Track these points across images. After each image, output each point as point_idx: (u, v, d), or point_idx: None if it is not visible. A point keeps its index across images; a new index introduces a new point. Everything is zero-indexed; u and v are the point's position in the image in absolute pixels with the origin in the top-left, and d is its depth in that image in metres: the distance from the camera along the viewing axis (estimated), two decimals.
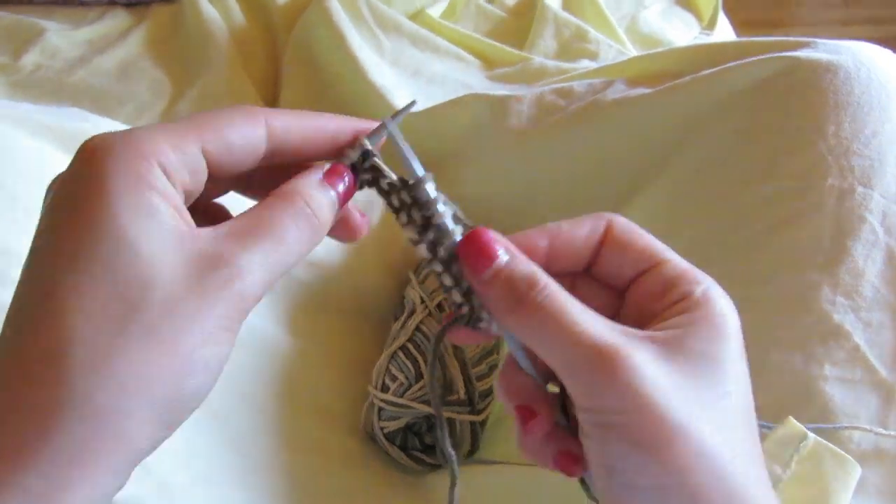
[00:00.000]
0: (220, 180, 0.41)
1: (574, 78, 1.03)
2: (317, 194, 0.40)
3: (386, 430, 0.86)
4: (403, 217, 0.42)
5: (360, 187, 0.44)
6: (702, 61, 0.88)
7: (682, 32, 1.48)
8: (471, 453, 0.87)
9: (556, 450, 0.43)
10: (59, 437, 0.33)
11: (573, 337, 0.38)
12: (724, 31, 1.52)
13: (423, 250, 0.42)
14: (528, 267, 0.40)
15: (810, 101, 0.76)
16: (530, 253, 0.41)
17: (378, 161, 0.43)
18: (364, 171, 0.43)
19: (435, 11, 1.46)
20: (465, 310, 0.42)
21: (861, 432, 0.62)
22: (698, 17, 1.54)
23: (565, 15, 1.43)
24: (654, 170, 0.89)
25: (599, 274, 0.43)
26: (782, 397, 0.65)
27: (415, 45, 1.35)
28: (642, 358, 0.37)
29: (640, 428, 0.36)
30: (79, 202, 0.35)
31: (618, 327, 0.39)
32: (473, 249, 0.41)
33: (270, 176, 0.43)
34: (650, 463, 0.36)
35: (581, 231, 0.43)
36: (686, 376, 0.37)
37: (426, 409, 0.84)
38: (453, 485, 0.45)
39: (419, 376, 0.85)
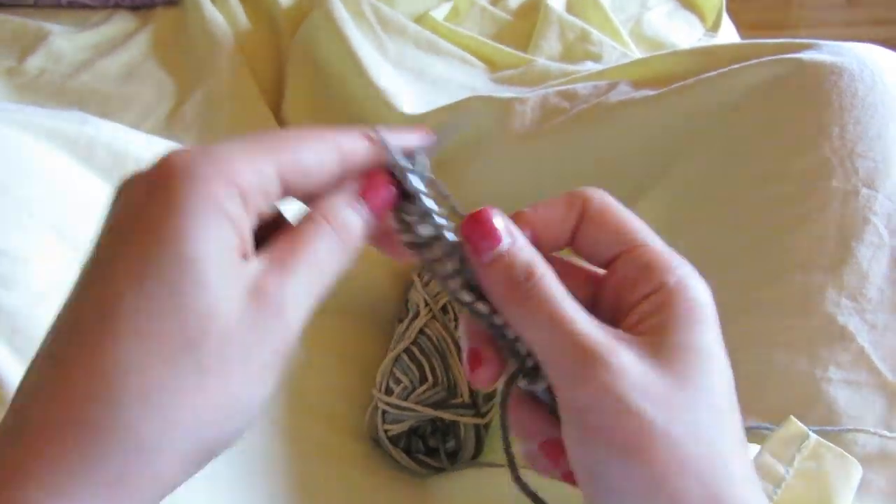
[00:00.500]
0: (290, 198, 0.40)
1: (578, 80, 1.03)
2: (347, 214, 0.39)
3: (390, 433, 0.86)
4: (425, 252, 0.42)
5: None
6: (706, 63, 0.88)
7: (685, 34, 1.48)
8: (475, 456, 0.87)
9: (543, 438, 0.43)
10: (96, 463, 0.32)
11: (561, 332, 0.38)
12: (728, 33, 1.52)
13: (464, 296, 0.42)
14: (528, 253, 0.40)
15: (814, 103, 0.75)
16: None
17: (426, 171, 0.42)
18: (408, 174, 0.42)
19: (439, 14, 1.46)
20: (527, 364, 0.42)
21: (866, 435, 0.62)
22: (702, 19, 1.54)
23: (569, 17, 1.43)
24: (658, 172, 0.89)
25: (579, 251, 0.43)
26: (787, 399, 0.65)
27: (418, 47, 1.35)
28: (625, 359, 0.37)
29: (620, 430, 0.36)
30: (151, 219, 0.34)
31: (603, 327, 0.39)
32: (477, 230, 0.40)
33: None
34: (630, 466, 0.36)
35: (557, 210, 0.42)
36: (666, 376, 0.37)
37: (430, 412, 0.84)
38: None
39: (423, 379, 0.85)
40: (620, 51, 1.36)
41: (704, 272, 0.42)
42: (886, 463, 0.61)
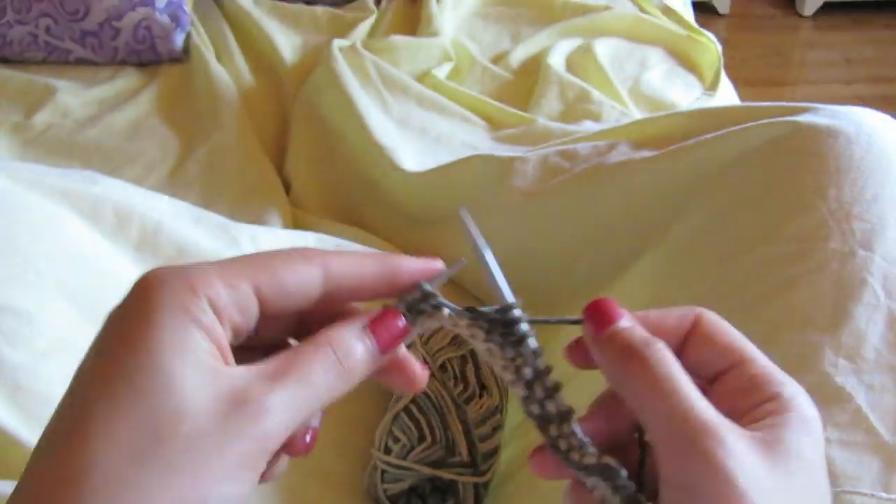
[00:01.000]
0: (275, 318, 0.42)
1: (578, 140, 1.04)
2: (351, 342, 0.41)
3: (389, 493, 0.86)
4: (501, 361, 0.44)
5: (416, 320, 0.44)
6: (705, 125, 0.89)
7: (684, 94, 1.50)
8: None
9: None
10: None
11: (678, 401, 0.38)
12: (726, 93, 1.53)
13: (520, 389, 0.43)
14: (645, 333, 0.42)
15: (811, 165, 0.76)
16: None
17: (442, 300, 0.44)
18: (423, 311, 0.44)
19: (441, 73, 1.48)
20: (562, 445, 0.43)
21: (863, 497, 0.62)
22: (700, 78, 1.55)
23: (569, 76, 1.45)
24: (657, 231, 0.90)
25: (688, 363, 0.43)
26: None
27: (421, 105, 1.37)
28: (739, 444, 0.37)
29: None
30: (125, 331, 0.36)
31: (717, 411, 0.39)
32: (598, 310, 0.42)
33: (328, 315, 0.44)
34: None
35: (670, 321, 0.43)
36: (775, 474, 0.37)
37: (429, 471, 0.84)
38: None
39: (422, 438, 0.85)
40: (619, 110, 1.37)
41: None
42: None
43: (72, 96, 1.43)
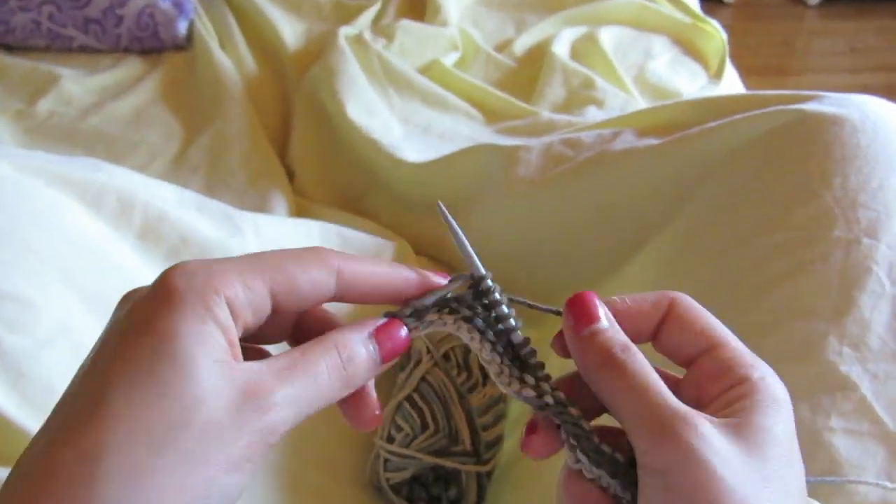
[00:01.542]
0: (279, 315, 0.43)
1: (583, 129, 1.03)
2: (357, 348, 0.42)
3: (392, 481, 0.86)
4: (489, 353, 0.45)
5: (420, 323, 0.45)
6: (710, 113, 0.89)
7: (689, 82, 1.49)
8: None
9: None
10: None
11: (651, 397, 0.39)
12: (731, 80, 1.53)
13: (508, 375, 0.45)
14: (623, 335, 0.43)
15: (816, 153, 0.76)
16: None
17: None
18: (426, 319, 0.45)
19: (448, 61, 1.47)
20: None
21: (867, 486, 0.62)
22: (705, 66, 1.55)
23: (573, 64, 1.44)
24: (662, 219, 0.89)
25: (662, 347, 0.45)
26: None
27: (425, 102, 1.36)
28: (709, 429, 0.38)
29: (703, 493, 0.37)
30: (150, 320, 0.37)
31: (690, 407, 0.40)
32: (577, 306, 0.43)
33: (316, 316, 0.45)
34: None
35: (645, 306, 0.44)
36: (746, 454, 0.38)
37: (432, 460, 0.84)
38: None
39: (424, 427, 0.85)
40: (624, 97, 1.37)
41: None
42: None
43: (75, 84, 1.43)
